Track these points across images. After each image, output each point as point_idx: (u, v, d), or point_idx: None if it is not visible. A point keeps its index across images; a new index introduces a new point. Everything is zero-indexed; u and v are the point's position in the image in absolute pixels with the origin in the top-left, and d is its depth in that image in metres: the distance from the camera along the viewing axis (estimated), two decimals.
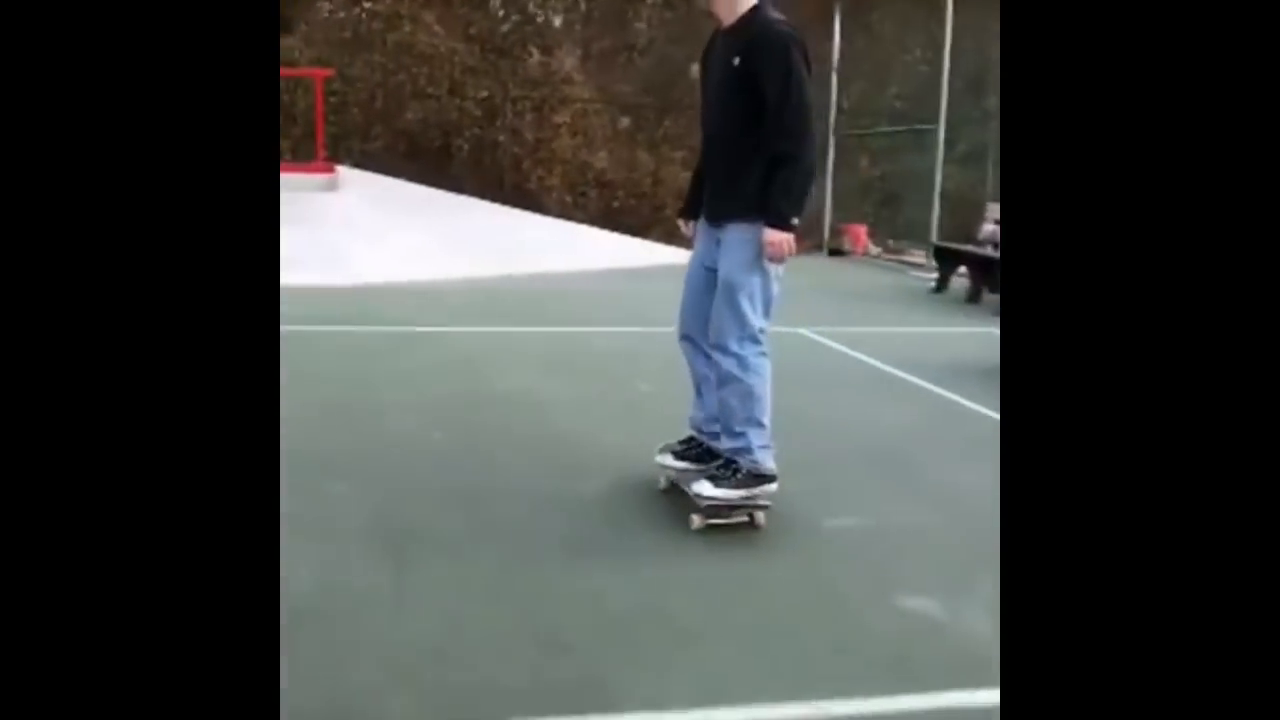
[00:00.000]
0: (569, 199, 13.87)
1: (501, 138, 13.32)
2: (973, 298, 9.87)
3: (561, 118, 13.80)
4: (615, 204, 13.96)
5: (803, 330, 7.35)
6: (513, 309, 8.72)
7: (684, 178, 10.40)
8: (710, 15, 3.71)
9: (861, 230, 14.09)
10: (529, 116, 13.63)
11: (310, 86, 12.34)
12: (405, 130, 13.23)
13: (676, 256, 11.96)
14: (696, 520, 3.47)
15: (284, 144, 12.74)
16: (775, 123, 3.37)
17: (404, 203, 11.84)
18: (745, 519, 3.52)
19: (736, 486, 3.52)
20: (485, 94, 13.35)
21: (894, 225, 14.17)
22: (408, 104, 13.13)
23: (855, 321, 8.37)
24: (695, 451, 3.78)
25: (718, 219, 3.59)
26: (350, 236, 10.82)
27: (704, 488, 3.52)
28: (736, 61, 3.45)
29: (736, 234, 3.51)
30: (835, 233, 14.26)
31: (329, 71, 12.34)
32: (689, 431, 3.82)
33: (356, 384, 5.49)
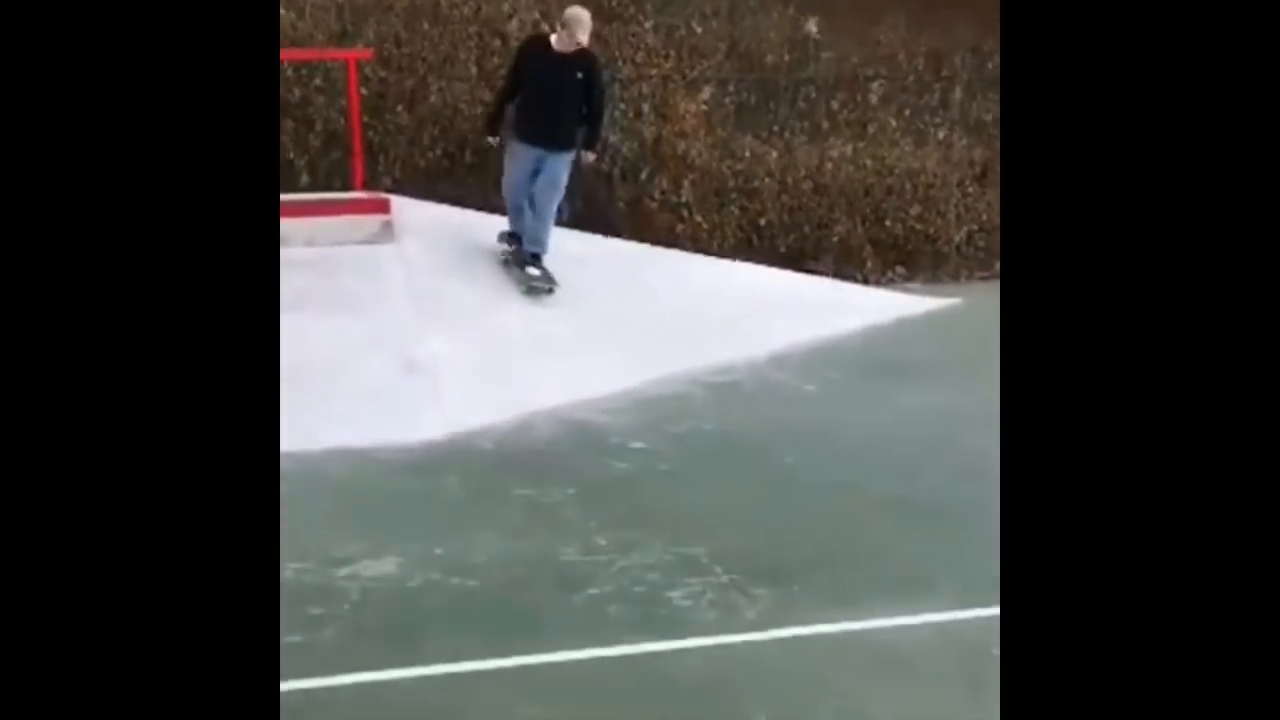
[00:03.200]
0: (701, 219, 9.77)
1: (612, 137, 9.20)
2: None
3: (690, 104, 9.68)
4: (763, 221, 9.93)
5: None
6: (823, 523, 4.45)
7: (850, 175, 9.87)
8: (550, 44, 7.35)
9: None
10: (647, 105, 9.50)
11: (338, 76, 8.19)
12: (470, 135, 9.10)
13: (888, 307, 8.15)
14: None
15: (299, 162, 8.55)
16: (596, 107, 7.44)
17: (491, 251, 7.74)
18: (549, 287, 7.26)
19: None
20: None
21: None
22: (475, 95, 8.98)
23: None
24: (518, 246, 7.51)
25: (555, 147, 7.30)
26: (423, 320, 6.76)
27: (532, 268, 7.34)
28: (579, 75, 7.18)
29: (565, 155, 7.40)
30: None
31: (368, 53, 8.16)
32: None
33: None
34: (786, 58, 10.16)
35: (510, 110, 7.51)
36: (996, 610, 3.80)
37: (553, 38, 7.32)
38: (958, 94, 10.33)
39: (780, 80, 10.16)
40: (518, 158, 7.43)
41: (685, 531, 4.38)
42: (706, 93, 10.01)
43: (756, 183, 9.94)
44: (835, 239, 10.01)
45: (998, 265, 10.33)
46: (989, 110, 10.26)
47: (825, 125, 10.14)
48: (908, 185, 10.07)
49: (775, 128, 10.15)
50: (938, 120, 10.22)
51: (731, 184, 9.88)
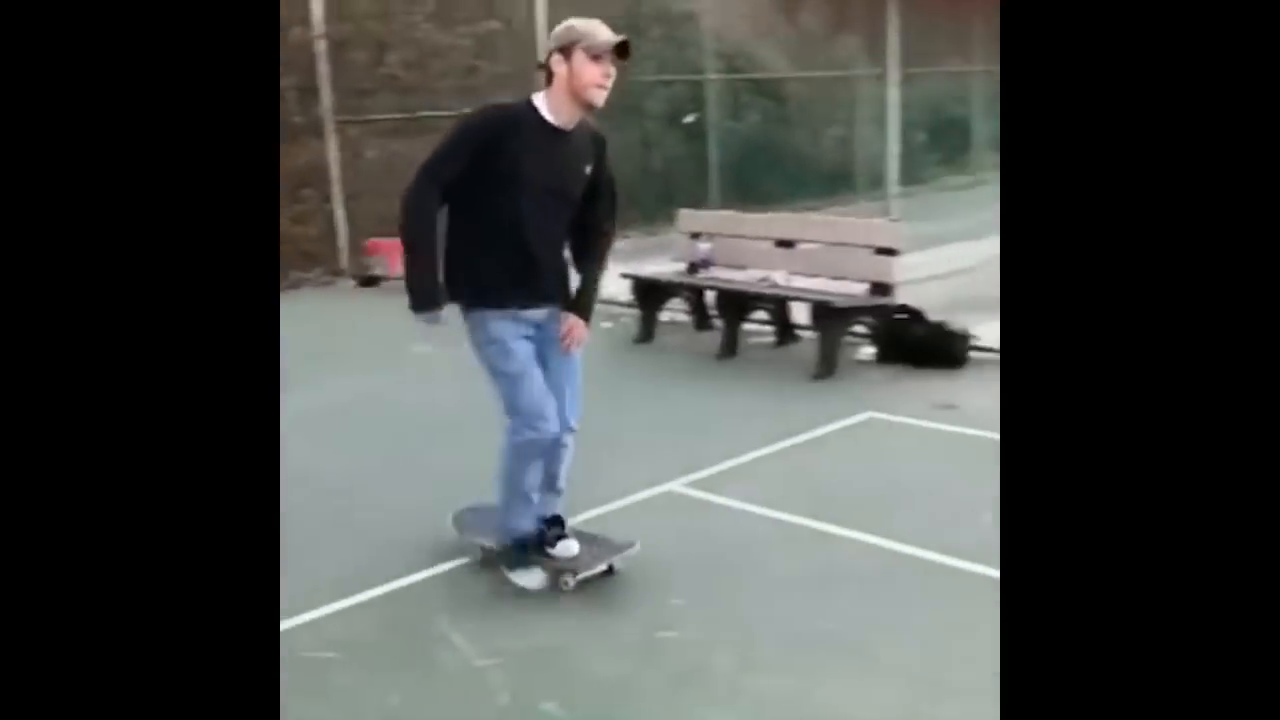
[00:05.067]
0: None
1: None
2: (726, 352, 7.03)
3: None
4: None
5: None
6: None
7: None
8: (539, 112, 3.52)
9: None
10: None
11: None
12: None
13: None
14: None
15: None
16: (608, 210, 3.76)
17: None
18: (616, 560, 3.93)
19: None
20: None
21: None
22: None
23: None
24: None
25: (555, 300, 3.68)
26: None
27: (566, 541, 3.84)
28: (587, 169, 3.62)
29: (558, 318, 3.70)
30: (358, 251, 10.27)
31: None
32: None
33: None
34: None
35: (450, 247, 3.60)
36: (425, 572, 4.02)
37: (539, 101, 3.51)
38: None
39: None
40: (513, 352, 3.59)
41: None
42: None
43: None
44: None
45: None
46: None
47: None
48: None
49: None
50: None
51: None
